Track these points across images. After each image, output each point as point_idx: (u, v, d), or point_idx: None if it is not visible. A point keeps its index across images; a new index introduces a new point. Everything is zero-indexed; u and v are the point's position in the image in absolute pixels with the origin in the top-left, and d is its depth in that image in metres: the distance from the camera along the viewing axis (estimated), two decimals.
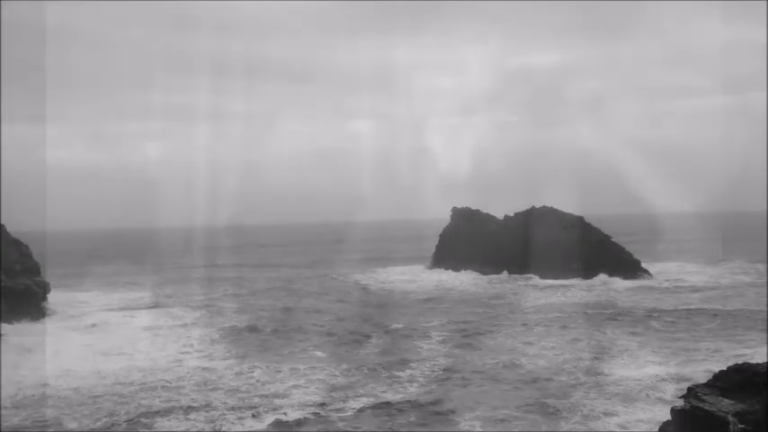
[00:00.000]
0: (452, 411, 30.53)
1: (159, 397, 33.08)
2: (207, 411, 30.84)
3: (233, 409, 31.15)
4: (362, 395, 32.87)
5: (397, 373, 36.93)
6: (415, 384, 34.56)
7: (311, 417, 29.84)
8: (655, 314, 53.35)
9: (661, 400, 30.15)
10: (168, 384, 35.30)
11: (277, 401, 32.08)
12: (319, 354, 42.45)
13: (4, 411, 31.23)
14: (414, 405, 31.33)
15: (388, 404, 31.46)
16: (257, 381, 36.04)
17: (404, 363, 39.55)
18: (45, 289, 62.32)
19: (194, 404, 31.80)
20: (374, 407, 31.16)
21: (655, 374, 34.79)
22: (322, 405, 31.38)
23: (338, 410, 30.70)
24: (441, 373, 37.02)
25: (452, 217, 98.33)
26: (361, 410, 30.54)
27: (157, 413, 30.75)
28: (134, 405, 31.89)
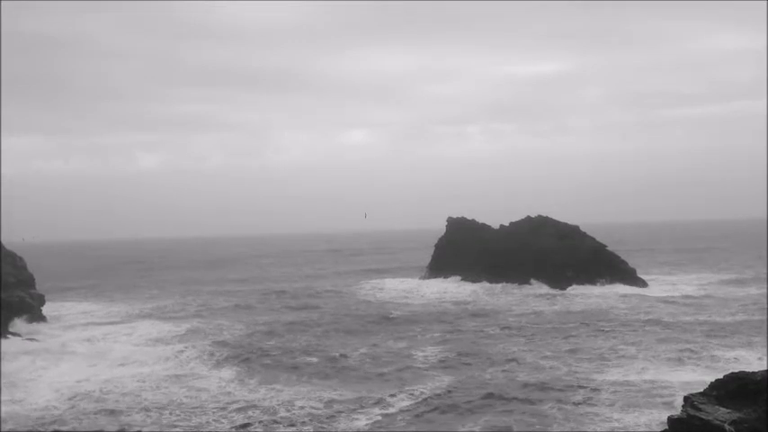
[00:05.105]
0: (453, 417, 30.52)
1: (150, 410, 32.88)
2: (196, 423, 30.70)
3: (224, 420, 31.01)
4: (363, 406, 32.69)
5: (395, 385, 36.78)
6: (415, 396, 34.37)
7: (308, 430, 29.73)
8: (650, 323, 53.29)
9: (658, 408, 30.08)
10: (162, 396, 35.11)
11: (273, 415, 31.91)
12: (316, 367, 42.16)
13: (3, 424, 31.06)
14: (415, 415, 31.24)
15: (389, 415, 31.35)
16: (251, 394, 35.88)
17: (403, 373, 39.43)
18: (40, 301, 62.09)
19: (186, 410, 31.72)
20: (375, 414, 31.08)
21: (651, 383, 34.74)
22: (319, 419, 31.21)
23: (337, 425, 30.54)
24: (441, 381, 36.91)
25: (448, 227, 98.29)
26: (365, 423, 30.37)
27: (149, 424, 30.63)
28: (121, 419, 31.73)
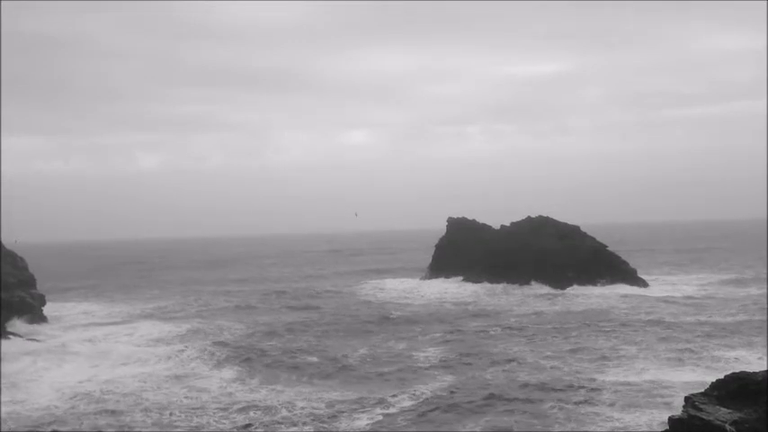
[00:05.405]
0: (455, 417, 30.56)
1: (151, 410, 32.90)
2: (197, 424, 30.75)
3: (225, 421, 31.05)
4: (364, 407, 32.71)
5: (396, 385, 36.81)
6: (416, 396, 34.40)
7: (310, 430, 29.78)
8: (651, 323, 53.29)
9: (659, 408, 30.11)
10: (163, 397, 35.15)
11: (274, 415, 31.93)
12: (317, 367, 42.15)
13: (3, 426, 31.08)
14: (417, 415, 31.28)
15: (390, 415, 31.41)
16: (252, 394, 35.94)
17: (404, 373, 39.47)
18: (41, 302, 62.11)
19: (187, 411, 31.77)
20: (376, 414, 31.15)
21: (652, 383, 34.77)
22: (320, 419, 31.25)
23: (338, 425, 30.57)
24: (442, 381, 36.97)
25: (448, 227, 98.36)
26: (366, 423, 30.42)
27: (149, 425, 30.67)
28: (121, 419, 31.76)
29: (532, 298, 72.88)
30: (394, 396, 34.30)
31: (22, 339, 52.07)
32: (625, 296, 70.49)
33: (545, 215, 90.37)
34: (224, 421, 31.14)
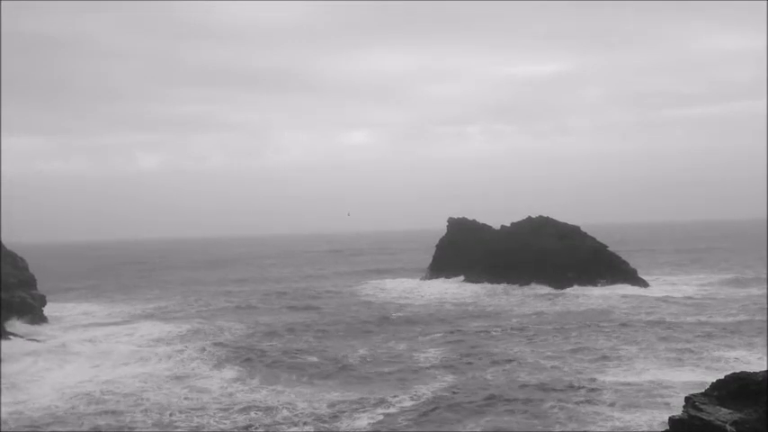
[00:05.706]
0: (455, 417, 30.58)
1: (152, 410, 32.91)
2: (197, 424, 30.76)
3: (226, 421, 31.07)
4: (365, 407, 32.71)
5: (396, 386, 36.82)
6: (417, 396, 34.43)
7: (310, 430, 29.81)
8: (651, 323, 53.31)
9: (659, 408, 30.13)
10: (163, 397, 35.15)
11: (275, 416, 31.95)
12: (317, 368, 42.16)
13: (4, 426, 31.10)
14: (417, 415, 31.30)
15: (390, 415, 31.43)
16: (253, 395, 35.96)
17: (405, 373, 39.48)
18: (41, 302, 62.12)
19: (188, 411, 31.79)
20: (377, 414, 31.16)
21: (652, 383, 34.78)
22: (321, 419, 31.27)
23: (339, 425, 30.59)
24: (443, 381, 36.97)
25: (448, 227, 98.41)
26: (367, 423, 30.43)
27: (150, 425, 30.68)
28: (122, 419, 31.78)
29: (533, 298, 72.87)
30: (395, 396, 34.30)
31: (23, 340, 52.07)
32: (625, 296, 70.45)
33: (545, 215, 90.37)
34: (225, 422, 31.15)
